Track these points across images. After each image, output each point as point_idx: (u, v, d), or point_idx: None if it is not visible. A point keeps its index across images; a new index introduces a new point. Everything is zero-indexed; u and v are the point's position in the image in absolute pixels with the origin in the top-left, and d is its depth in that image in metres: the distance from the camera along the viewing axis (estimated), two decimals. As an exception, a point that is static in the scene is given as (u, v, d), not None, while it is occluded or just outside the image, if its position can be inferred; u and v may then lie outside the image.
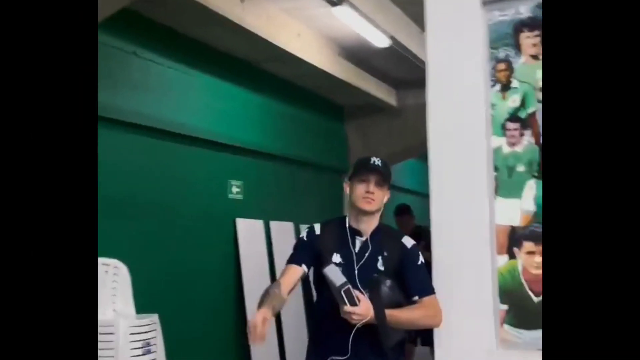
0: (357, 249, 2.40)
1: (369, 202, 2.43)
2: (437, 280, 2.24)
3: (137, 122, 4.79)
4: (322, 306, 2.42)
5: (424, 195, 9.86)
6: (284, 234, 6.61)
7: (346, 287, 2.11)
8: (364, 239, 2.42)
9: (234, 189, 5.96)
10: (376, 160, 2.52)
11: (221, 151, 5.80)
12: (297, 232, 6.90)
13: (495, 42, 2.32)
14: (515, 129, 2.26)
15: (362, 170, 2.48)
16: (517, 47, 2.29)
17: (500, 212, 2.23)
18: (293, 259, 2.47)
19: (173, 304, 4.96)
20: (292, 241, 6.78)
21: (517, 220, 2.22)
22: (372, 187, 2.43)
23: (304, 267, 2.42)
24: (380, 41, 5.74)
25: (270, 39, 5.23)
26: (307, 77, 6.68)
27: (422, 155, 10.25)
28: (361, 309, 2.13)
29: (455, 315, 2.20)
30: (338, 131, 8.12)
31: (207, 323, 5.43)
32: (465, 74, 2.32)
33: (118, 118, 4.60)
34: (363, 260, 2.36)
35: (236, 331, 5.78)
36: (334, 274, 2.16)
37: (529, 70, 2.27)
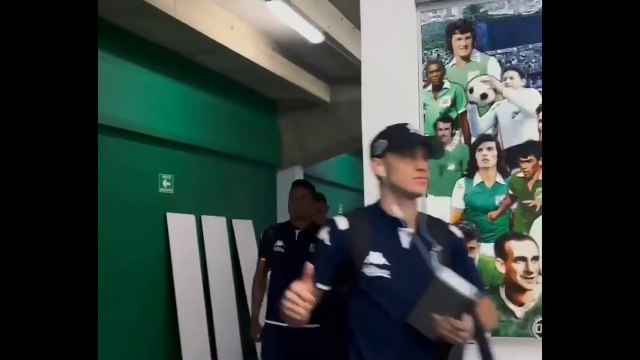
0: (406, 244, 1.88)
1: (423, 182, 1.89)
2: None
3: (63, 113, 4.61)
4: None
5: (356, 190, 10.07)
6: (216, 229, 6.54)
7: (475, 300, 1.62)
8: (410, 230, 1.89)
9: (165, 183, 5.85)
10: (415, 129, 1.99)
11: (151, 144, 5.67)
12: (230, 227, 6.85)
13: (428, 43, 2.38)
14: (446, 129, 2.33)
15: (408, 142, 1.91)
16: (449, 49, 2.35)
17: (432, 209, 2.28)
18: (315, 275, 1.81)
19: (100, 300, 4.81)
20: (225, 236, 6.80)
21: (447, 218, 2.28)
22: (422, 164, 1.89)
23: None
24: (314, 37, 5.76)
25: (202, 31, 5.15)
26: (240, 71, 6.62)
27: (354, 150, 10.40)
28: (467, 325, 1.68)
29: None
30: (271, 126, 8.09)
31: (137, 321, 5.30)
32: (399, 74, 2.37)
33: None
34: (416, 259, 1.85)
35: (166, 329, 5.68)
36: (457, 281, 1.64)
37: (460, 72, 2.34)
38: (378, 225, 1.89)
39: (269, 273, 4.28)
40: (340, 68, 7.31)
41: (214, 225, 6.51)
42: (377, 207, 1.95)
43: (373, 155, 1.98)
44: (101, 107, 5.00)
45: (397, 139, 1.91)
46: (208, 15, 5.25)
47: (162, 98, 5.81)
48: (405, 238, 1.87)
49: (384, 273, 1.82)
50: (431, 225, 1.92)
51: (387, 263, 1.82)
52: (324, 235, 1.90)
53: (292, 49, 6.64)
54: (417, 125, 2.31)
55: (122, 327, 5.10)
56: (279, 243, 4.15)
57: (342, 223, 1.92)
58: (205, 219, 6.38)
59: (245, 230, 7.05)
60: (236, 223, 6.94)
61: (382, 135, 1.96)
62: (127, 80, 5.34)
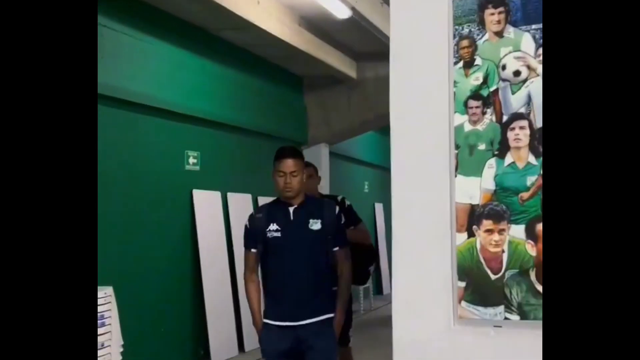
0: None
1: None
2: (396, 258, 2.24)
3: (90, 89, 4.62)
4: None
5: (382, 168, 10.01)
6: (242, 206, 6.56)
7: None
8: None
9: (191, 160, 5.86)
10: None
11: (178, 121, 5.68)
12: (255, 203, 6.86)
13: (459, 18, 2.29)
14: (477, 107, 2.25)
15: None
16: (481, 24, 2.27)
17: (461, 190, 2.23)
18: None
19: (128, 276, 4.88)
20: (250, 212, 6.78)
21: (477, 199, 2.22)
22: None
23: None
24: (341, 12, 5.67)
25: (228, 7, 5.10)
26: (266, 47, 6.57)
27: (380, 128, 10.31)
28: None
29: (414, 293, 2.21)
30: (297, 102, 8.05)
31: (163, 295, 5.37)
32: (429, 50, 2.30)
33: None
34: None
35: (193, 304, 5.74)
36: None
37: (492, 48, 2.26)
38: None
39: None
40: (367, 44, 7.21)
41: (240, 202, 6.53)
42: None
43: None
44: (127, 84, 5.04)
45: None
46: (234, -10, 5.20)
47: (188, 74, 5.80)
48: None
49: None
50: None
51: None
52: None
53: (318, 24, 6.56)
54: (447, 103, 2.25)
55: (148, 304, 5.17)
56: (273, 227, 3.18)
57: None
58: (231, 195, 6.40)
59: (270, 207, 7.06)
60: (262, 200, 6.95)
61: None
62: (153, 57, 5.33)
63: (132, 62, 5.09)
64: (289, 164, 3.13)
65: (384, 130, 11.02)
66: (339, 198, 3.85)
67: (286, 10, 6.08)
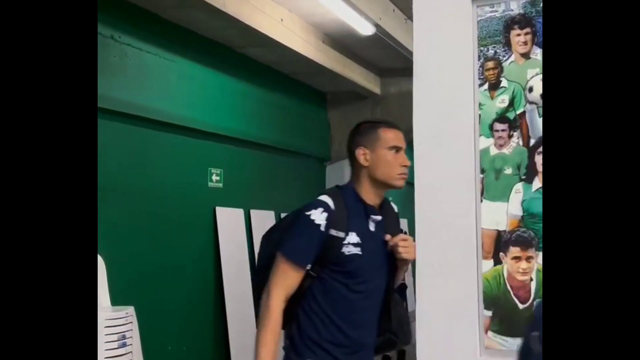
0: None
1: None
2: (420, 284, 2.18)
3: (113, 108, 4.66)
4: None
5: (406, 184, 9.90)
6: (265, 223, 6.53)
7: None
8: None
9: (214, 177, 5.86)
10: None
11: (201, 138, 5.69)
12: (279, 220, 6.83)
13: (484, 39, 2.24)
14: (503, 130, 2.19)
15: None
16: (507, 45, 2.21)
17: (487, 215, 2.16)
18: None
19: (150, 295, 4.87)
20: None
21: (503, 225, 2.16)
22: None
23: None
24: (365, 29, 5.65)
25: (252, 24, 5.11)
26: (289, 64, 6.57)
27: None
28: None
29: (438, 321, 2.14)
30: (320, 118, 8.03)
31: (185, 315, 5.35)
32: (453, 71, 2.25)
33: (94, 104, 4.46)
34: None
35: (215, 323, 5.71)
36: None
37: (519, 70, 2.20)
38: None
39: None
40: (391, 60, 7.17)
41: (263, 219, 6.50)
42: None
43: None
44: (151, 102, 5.06)
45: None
46: (258, 8, 5.20)
47: (212, 91, 5.81)
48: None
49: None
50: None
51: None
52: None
53: (342, 41, 6.55)
54: (471, 126, 2.19)
55: (170, 323, 5.15)
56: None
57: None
58: (254, 213, 6.38)
59: (293, 224, 7.02)
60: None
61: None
62: (176, 75, 5.36)
63: (155, 80, 5.12)
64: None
65: (408, 146, 10.93)
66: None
67: (310, 27, 6.08)
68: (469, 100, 2.20)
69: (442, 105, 2.26)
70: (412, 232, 7.26)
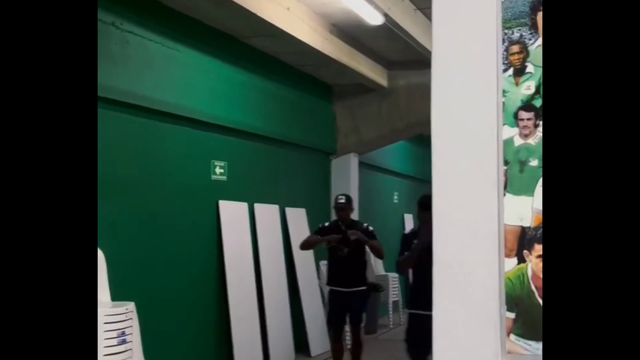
0: None
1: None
2: (438, 283, 2.04)
3: (115, 97, 4.52)
4: None
5: (412, 178, 9.78)
6: (269, 217, 6.39)
7: None
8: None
9: (217, 170, 5.73)
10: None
11: (205, 130, 5.56)
12: (283, 215, 6.70)
13: (509, 21, 2.09)
14: (529, 119, 2.04)
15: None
16: (534, 28, 2.06)
17: (510, 210, 2.02)
18: None
19: (150, 290, 4.74)
20: (278, 225, 6.64)
21: (528, 220, 2.01)
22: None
23: None
24: (373, 18, 5.49)
25: (258, 13, 4.96)
26: (295, 55, 6.43)
27: (411, 137, 10.08)
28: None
29: (458, 323, 2.00)
30: (326, 111, 7.88)
31: (187, 310, 5.22)
32: (475, 56, 2.09)
33: (94, 93, 4.33)
34: None
35: (218, 317, 5.58)
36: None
37: (546, 54, 2.05)
38: None
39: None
40: (399, 52, 7.02)
41: (267, 213, 6.37)
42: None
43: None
44: (154, 92, 4.91)
45: None
46: (264, -4, 5.05)
47: (216, 82, 5.67)
48: None
49: None
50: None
51: None
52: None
53: (349, 31, 6.40)
54: (494, 115, 2.05)
55: (172, 318, 5.02)
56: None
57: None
58: (258, 207, 6.24)
59: (298, 218, 6.88)
60: (289, 211, 6.78)
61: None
62: (180, 64, 5.22)
63: (159, 70, 4.98)
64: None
65: (414, 139, 10.84)
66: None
67: (317, 17, 5.93)
68: (491, 86, 2.05)
69: (463, 92, 2.12)
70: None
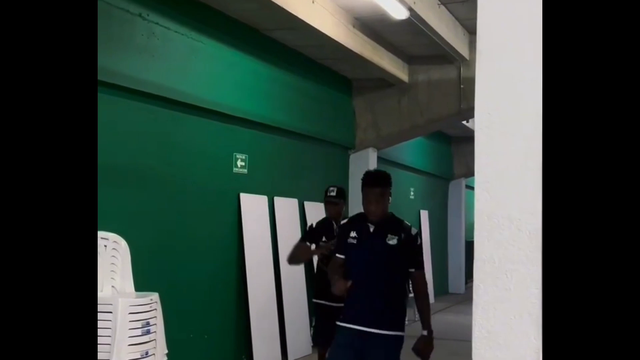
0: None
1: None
2: (478, 281, 2.01)
3: (140, 88, 4.52)
4: None
5: (428, 175, 9.72)
6: (288, 211, 6.38)
7: None
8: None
9: (239, 163, 5.72)
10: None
11: (227, 122, 5.55)
12: (302, 209, 6.68)
13: (555, 14, 2.05)
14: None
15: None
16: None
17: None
18: None
19: (174, 281, 4.75)
20: (297, 218, 6.61)
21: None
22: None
23: None
24: (398, 13, 5.45)
25: (283, 5, 4.93)
26: (317, 48, 6.40)
27: (430, 133, 10.01)
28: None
29: (497, 321, 1.98)
30: (346, 106, 7.85)
31: (208, 301, 5.23)
32: (521, 47, 2.06)
33: (119, 83, 4.33)
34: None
35: (237, 310, 5.59)
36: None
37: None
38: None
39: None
40: (421, 47, 6.97)
41: (286, 206, 6.36)
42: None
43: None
44: (177, 84, 4.90)
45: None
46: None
47: (238, 75, 5.66)
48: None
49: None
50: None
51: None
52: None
53: (372, 25, 6.35)
54: (540, 108, 2.01)
55: (192, 310, 5.03)
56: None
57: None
58: (278, 200, 6.23)
59: (316, 213, 6.86)
60: (308, 205, 6.77)
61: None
62: (203, 56, 5.21)
63: (182, 61, 4.97)
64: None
65: (432, 135, 10.78)
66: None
67: (341, 10, 5.89)
68: (538, 78, 2.03)
69: (509, 84, 2.08)
70: (432, 222, 7.35)
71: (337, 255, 3.42)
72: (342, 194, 4.51)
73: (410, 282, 3.42)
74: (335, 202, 4.43)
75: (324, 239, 4.27)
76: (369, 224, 3.32)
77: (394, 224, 3.35)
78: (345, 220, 3.69)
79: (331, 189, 4.48)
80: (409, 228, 3.36)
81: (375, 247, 3.29)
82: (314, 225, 4.49)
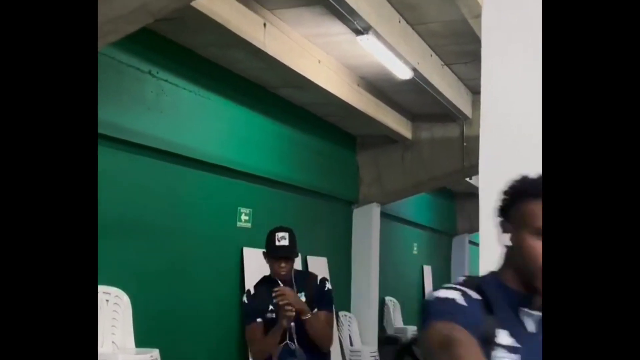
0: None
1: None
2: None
3: (148, 144, 4.60)
4: None
5: (431, 230, 9.64)
6: (292, 266, 6.36)
7: None
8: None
9: (243, 217, 5.74)
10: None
11: (232, 177, 5.60)
12: (304, 264, 6.65)
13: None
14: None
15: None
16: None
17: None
18: None
19: (175, 337, 4.70)
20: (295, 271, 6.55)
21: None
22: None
23: None
24: (403, 73, 5.57)
25: (290, 65, 5.06)
26: (322, 105, 6.51)
27: (433, 189, 10.05)
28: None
29: None
30: (350, 161, 7.92)
31: (210, 358, 5.15)
32: (522, 101, 2.12)
33: (128, 139, 4.41)
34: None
35: (238, 367, 5.49)
36: None
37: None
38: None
39: None
40: (424, 105, 7.09)
41: (290, 262, 6.33)
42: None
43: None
44: (184, 139, 4.99)
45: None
46: (296, 49, 5.16)
47: (244, 130, 5.75)
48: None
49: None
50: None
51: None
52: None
53: (377, 84, 6.49)
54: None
55: (195, 364, 4.95)
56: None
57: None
58: (281, 255, 6.21)
59: (320, 267, 6.83)
60: (311, 260, 6.74)
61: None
62: (210, 112, 5.31)
63: (189, 117, 5.07)
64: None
65: (436, 191, 10.82)
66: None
67: (346, 70, 6.03)
68: (539, 139, 2.07)
69: (511, 144, 2.12)
70: (436, 277, 7.03)
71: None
72: (295, 242, 3.17)
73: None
74: (288, 256, 3.09)
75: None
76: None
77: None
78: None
79: (281, 233, 3.16)
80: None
81: None
82: (252, 292, 3.17)
